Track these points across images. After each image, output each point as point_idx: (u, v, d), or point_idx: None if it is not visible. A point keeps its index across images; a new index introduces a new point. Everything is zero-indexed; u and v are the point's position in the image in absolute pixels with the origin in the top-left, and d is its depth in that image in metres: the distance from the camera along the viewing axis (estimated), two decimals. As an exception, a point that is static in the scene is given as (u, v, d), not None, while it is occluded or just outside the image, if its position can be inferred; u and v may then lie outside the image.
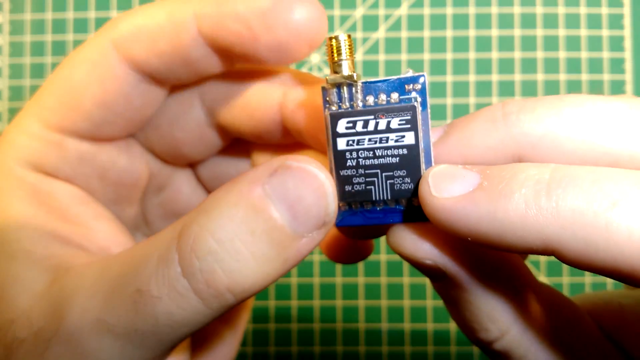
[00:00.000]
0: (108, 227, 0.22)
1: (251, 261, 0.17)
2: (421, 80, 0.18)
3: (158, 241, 0.18)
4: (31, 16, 0.47)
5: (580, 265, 0.15)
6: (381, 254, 0.46)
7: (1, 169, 0.21)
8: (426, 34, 0.47)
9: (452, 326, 0.46)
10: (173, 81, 0.21)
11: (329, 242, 0.26)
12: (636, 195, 0.14)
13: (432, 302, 0.46)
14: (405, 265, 0.46)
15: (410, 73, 0.18)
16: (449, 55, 0.47)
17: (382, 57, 0.47)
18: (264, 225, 0.17)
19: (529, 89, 0.46)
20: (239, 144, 0.25)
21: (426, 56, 0.46)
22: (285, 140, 0.23)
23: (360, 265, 0.46)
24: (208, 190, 0.27)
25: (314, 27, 0.19)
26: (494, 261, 0.18)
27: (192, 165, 0.26)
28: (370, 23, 0.47)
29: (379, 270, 0.46)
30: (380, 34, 0.47)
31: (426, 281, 0.46)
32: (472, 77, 0.46)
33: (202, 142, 0.24)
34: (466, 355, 0.46)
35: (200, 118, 0.24)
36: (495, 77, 0.46)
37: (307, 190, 0.17)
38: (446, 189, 0.16)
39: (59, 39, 0.47)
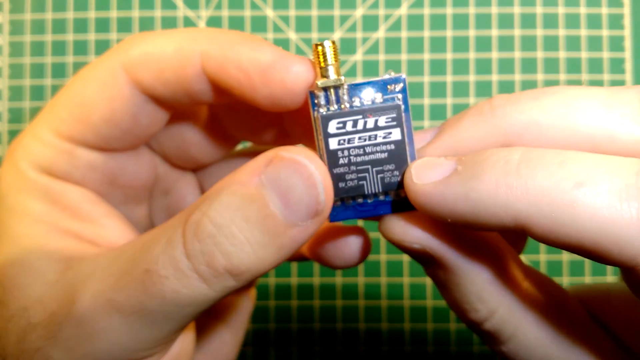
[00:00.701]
0: (118, 225, 0.23)
1: (246, 246, 0.18)
2: (401, 81, 0.19)
3: (167, 226, 0.19)
4: (31, 16, 0.47)
5: (547, 240, 0.16)
6: (381, 254, 0.46)
7: (15, 170, 0.22)
8: (426, 34, 0.47)
9: (452, 326, 0.46)
10: (176, 105, 0.23)
11: (319, 246, 0.26)
12: (600, 177, 0.15)
13: (432, 302, 0.46)
14: (405, 265, 0.46)
15: (391, 75, 0.19)
16: (449, 55, 0.47)
17: (382, 57, 0.47)
18: (258, 213, 0.18)
19: (529, 89, 0.46)
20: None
21: (426, 56, 0.46)
22: (289, 143, 0.24)
23: (360, 265, 0.46)
24: None
25: (306, 84, 0.20)
26: (477, 242, 0.20)
27: (197, 170, 0.27)
28: (370, 23, 0.47)
29: (379, 270, 0.46)
30: (380, 34, 0.47)
31: (426, 281, 0.46)
32: (472, 77, 0.46)
33: (210, 143, 0.25)
34: (466, 355, 0.46)
35: (208, 119, 0.25)
36: (495, 77, 0.46)
37: (298, 180, 0.18)
38: (426, 176, 0.18)
39: (59, 39, 0.47)
